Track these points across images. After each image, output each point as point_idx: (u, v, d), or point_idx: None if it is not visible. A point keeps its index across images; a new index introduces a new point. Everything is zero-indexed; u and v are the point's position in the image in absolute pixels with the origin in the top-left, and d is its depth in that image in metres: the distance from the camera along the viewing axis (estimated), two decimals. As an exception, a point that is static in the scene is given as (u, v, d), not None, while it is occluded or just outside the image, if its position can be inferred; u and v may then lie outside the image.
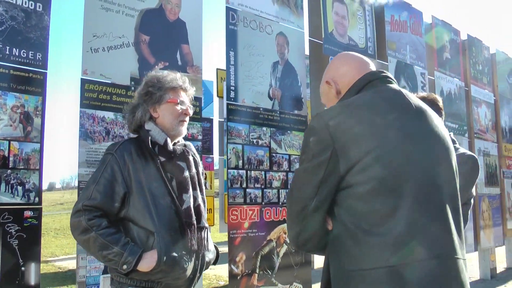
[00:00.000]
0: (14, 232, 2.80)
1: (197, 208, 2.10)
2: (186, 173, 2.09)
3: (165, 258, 1.91)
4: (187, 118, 2.18)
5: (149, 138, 2.06)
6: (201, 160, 2.43)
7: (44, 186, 2.94)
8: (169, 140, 2.09)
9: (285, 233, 4.26)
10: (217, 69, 8.51)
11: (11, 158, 2.86)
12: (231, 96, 4.06)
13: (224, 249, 3.47)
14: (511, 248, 8.20)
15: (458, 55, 7.26)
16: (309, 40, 4.91)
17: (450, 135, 1.81)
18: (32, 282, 2.83)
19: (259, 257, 4.02)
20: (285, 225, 4.26)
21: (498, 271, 7.71)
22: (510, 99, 8.41)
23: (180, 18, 3.78)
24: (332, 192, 1.47)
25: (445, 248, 1.42)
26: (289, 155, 4.42)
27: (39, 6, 3.06)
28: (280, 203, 4.26)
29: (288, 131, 4.45)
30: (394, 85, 1.63)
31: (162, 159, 2.06)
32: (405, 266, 1.36)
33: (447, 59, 6.98)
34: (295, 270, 4.28)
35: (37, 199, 2.93)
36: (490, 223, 7.32)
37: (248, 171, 4.05)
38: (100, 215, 1.94)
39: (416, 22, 6.39)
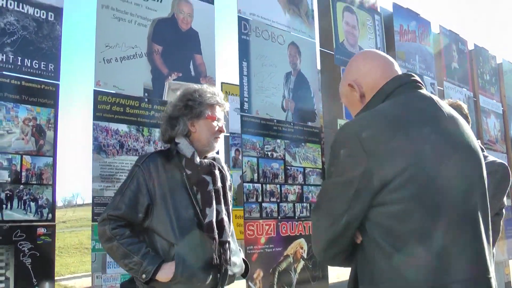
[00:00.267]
0: (27, 251, 2.67)
1: (220, 222, 2.08)
2: (210, 187, 2.08)
3: (182, 269, 1.93)
4: (222, 135, 2.20)
5: (176, 151, 2.11)
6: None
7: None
8: (196, 154, 2.10)
9: (301, 248, 4.13)
10: (222, 83, 8.36)
11: (23, 173, 2.74)
12: (244, 108, 3.95)
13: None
14: (524, 260, 8.05)
15: (466, 65, 7.20)
16: (320, 50, 4.83)
17: (478, 142, 1.72)
18: (46, 303, 2.69)
19: (277, 273, 3.87)
20: (301, 240, 4.13)
21: (512, 285, 7.55)
22: (517, 109, 8.34)
23: (192, 27, 3.70)
24: (365, 208, 1.37)
25: (479, 269, 1.36)
26: (304, 168, 4.30)
27: (51, 15, 2.96)
28: (296, 217, 4.13)
29: (302, 144, 4.34)
30: (424, 91, 1.53)
31: (189, 172, 2.08)
32: None
33: (456, 69, 6.92)
34: (313, 285, 4.14)
35: (50, 215, 2.80)
36: (503, 235, 7.18)
37: (264, 185, 3.93)
38: (124, 224, 2.02)
39: (424, 32, 6.34)
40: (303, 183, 4.26)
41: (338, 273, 9.09)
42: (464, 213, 1.36)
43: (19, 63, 2.80)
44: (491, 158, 2.76)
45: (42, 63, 2.90)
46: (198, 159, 2.09)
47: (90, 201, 3.01)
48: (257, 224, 3.81)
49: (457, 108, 2.76)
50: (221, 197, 2.13)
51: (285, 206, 4.07)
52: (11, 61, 2.76)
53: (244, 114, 3.94)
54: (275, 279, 3.85)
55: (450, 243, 1.31)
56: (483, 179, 1.47)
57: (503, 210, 2.74)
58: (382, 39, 5.62)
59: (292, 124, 4.30)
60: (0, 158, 2.66)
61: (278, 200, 4.03)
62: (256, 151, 3.95)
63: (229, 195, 2.24)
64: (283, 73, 4.34)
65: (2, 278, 2.57)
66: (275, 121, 4.15)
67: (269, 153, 4.04)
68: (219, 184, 2.13)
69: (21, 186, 2.71)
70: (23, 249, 2.65)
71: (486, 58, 7.71)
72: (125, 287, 2.24)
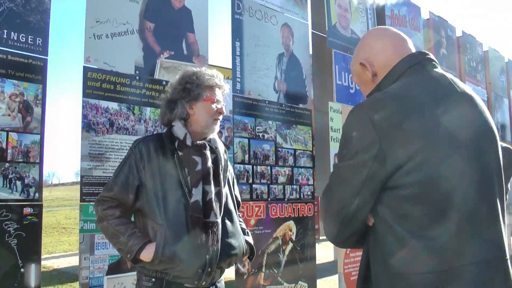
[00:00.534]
0: (13, 231, 2.60)
1: (208, 203, 2.04)
2: (199, 167, 2.05)
3: (163, 250, 1.94)
4: (221, 116, 2.19)
5: (170, 133, 2.12)
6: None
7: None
8: (188, 135, 2.10)
9: (290, 230, 4.12)
10: (209, 65, 8.25)
11: (9, 151, 2.65)
12: (237, 88, 3.89)
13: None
14: None
15: (454, 52, 7.22)
16: (312, 32, 4.77)
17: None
18: (32, 284, 2.63)
19: (266, 255, 3.86)
20: (290, 222, 4.12)
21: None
22: (502, 97, 8.42)
23: (185, 5, 3.60)
24: (377, 191, 1.36)
25: (495, 250, 1.35)
26: (295, 150, 4.27)
27: (39, -13, 2.84)
28: (286, 199, 4.11)
29: (293, 126, 4.30)
30: (439, 70, 1.50)
31: (180, 153, 2.08)
32: (453, 270, 1.28)
33: (444, 55, 6.93)
34: (300, 267, 4.14)
35: (37, 194, 2.72)
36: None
37: (254, 166, 3.89)
38: (115, 205, 2.05)
39: (414, 17, 6.32)
40: (293, 165, 4.23)
41: (327, 255, 9.19)
42: (480, 196, 1.34)
43: (5, 36, 2.68)
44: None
45: (30, 37, 2.78)
46: (189, 141, 2.09)
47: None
48: (247, 205, 3.78)
49: None
50: (211, 177, 2.08)
51: (275, 188, 4.04)
52: (-3, 34, 2.65)
53: (236, 94, 3.88)
54: (264, 261, 3.84)
55: (464, 226, 1.29)
56: (498, 160, 1.45)
57: (506, 196, 2.76)
58: (373, 23, 5.58)
59: (283, 105, 4.25)
60: (-14, 134, 2.56)
61: (269, 182, 4.00)
62: (248, 132, 3.90)
63: (223, 176, 2.18)
64: (276, 54, 4.28)
65: (-13, 259, 2.50)
66: (267, 102, 4.10)
67: (261, 135, 4.00)
68: (209, 164, 2.09)
69: (7, 164, 2.63)
70: (8, 229, 2.57)
71: (473, 45, 7.75)
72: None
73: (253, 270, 3.74)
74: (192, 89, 2.11)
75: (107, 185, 2.10)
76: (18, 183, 2.67)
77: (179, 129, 2.11)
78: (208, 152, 2.11)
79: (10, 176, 2.65)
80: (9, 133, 2.65)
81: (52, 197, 24.39)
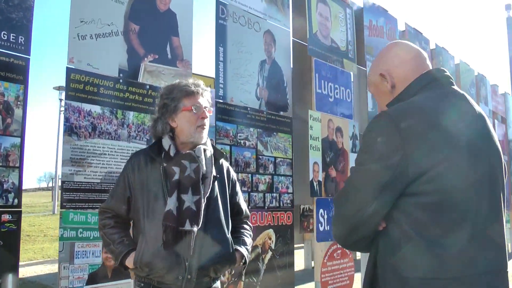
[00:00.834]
0: (-10, 238, 2.47)
1: (185, 211, 2.06)
2: (176, 177, 2.09)
3: (141, 257, 2.03)
4: (207, 122, 2.21)
5: (160, 145, 2.20)
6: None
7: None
8: (172, 147, 2.16)
9: (270, 239, 4.10)
10: (193, 74, 8.15)
11: (-13, 154, 2.52)
12: (219, 94, 3.84)
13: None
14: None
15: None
16: (293, 40, 4.78)
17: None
18: (9, 294, 2.50)
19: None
20: (270, 230, 4.10)
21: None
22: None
23: (170, 8, 3.54)
24: (396, 197, 1.40)
25: (500, 263, 1.43)
26: (275, 158, 4.26)
27: (22, -16, 2.73)
28: (266, 207, 4.09)
29: (274, 133, 4.29)
30: (456, 88, 1.58)
31: (165, 164, 2.14)
32: (465, 278, 1.34)
33: (417, 67, 7.06)
34: (279, 275, 4.13)
35: (16, 200, 2.61)
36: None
37: (236, 173, 3.85)
38: (111, 216, 2.19)
39: (391, 29, 6.43)
40: (273, 173, 4.21)
41: (297, 264, 9.17)
42: (491, 209, 1.42)
43: (-15, 33, 2.57)
44: None
45: (12, 35, 2.67)
46: (173, 152, 2.15)
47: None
48: (228, 213, 3.72)
49: None
50: (190, 186, 2.10)
51: (255, 196, 4.01)
52: (-23, 31, 2.53)
53: (218, 100, 3.83)
54: (243, 270, 3.80)
55: (477, 236, 1.36)
56: (503, 176, 1.53)
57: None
58: (352, 32, 5.64)
59: (265, 113, 4.24)
60: (-37, 136, 2.44)
61: (249, 190, 3.96)
62: (229, 139, 3.86)
63: (207, 184, 2.16)
64: (258, 61, 4.26)
65: (-38, 267, 2.37)
66: (248, 109, 4.07)
67: (242, 142, 3.97)
68: (188, 173, 2.11)
69: (-15, 167, 2.51)
70: (-14, 236, 2.45)
71: (446, 58, 7.95)
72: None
73: (233, 279, 3.70)
74: (169, 103, 2.17)
75: (108, 196, 2.28)
76: (-4, 188, 2.55)
77: (165, 142, 2.19)
78: (186, 162, 2.12)
79: (-14, 180, 2.53)
80: (-13, 135, 2.53)
81: (26, 202, 23.62)
